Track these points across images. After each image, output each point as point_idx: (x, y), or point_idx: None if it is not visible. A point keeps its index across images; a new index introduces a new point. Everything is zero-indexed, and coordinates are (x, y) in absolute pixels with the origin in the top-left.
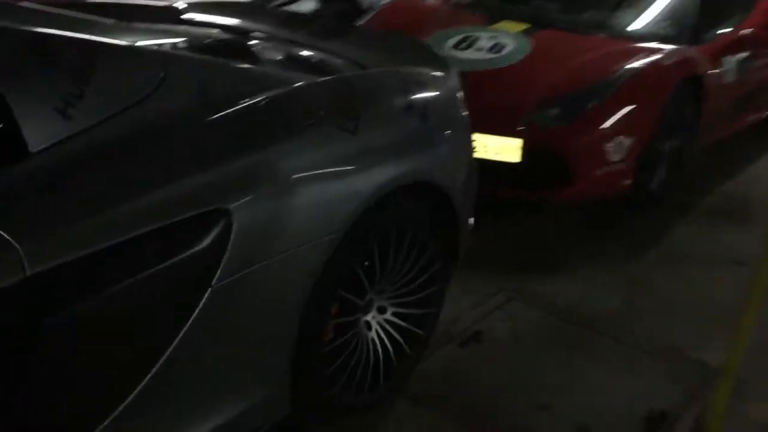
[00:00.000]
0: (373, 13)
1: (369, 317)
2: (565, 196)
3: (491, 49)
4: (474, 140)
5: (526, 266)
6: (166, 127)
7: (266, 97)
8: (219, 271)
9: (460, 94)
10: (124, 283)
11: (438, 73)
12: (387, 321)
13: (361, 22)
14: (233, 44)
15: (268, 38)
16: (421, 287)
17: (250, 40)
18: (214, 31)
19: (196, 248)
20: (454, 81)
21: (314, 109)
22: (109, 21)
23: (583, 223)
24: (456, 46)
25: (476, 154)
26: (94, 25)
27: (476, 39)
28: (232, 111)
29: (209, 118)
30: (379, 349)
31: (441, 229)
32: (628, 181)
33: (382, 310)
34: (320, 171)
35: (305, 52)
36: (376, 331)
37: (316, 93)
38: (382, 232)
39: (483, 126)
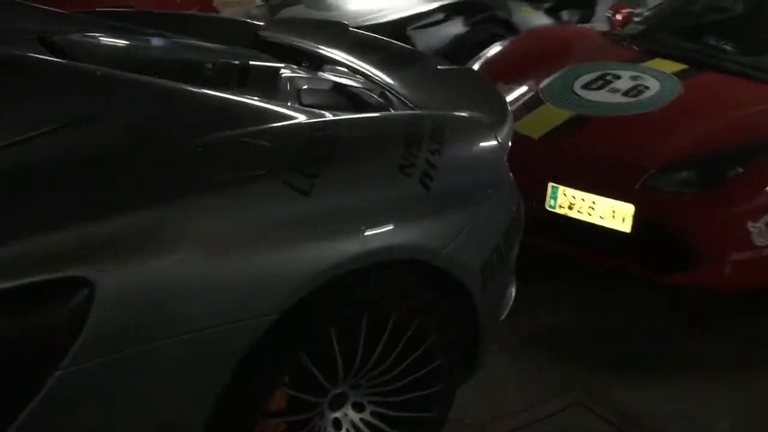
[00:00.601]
0: (513, 38)
1: (339, 414)
2: (685, 281)
3: (628, 92)
4: (582, 198)
5: (607, 358)
6: (54, 166)
7: (210, 138)
8: (71, 354)
9: (505, 153)
10: None
11: (483, 125)
12: (365, 422)
13: (497, 47)
14: (254, 69)
15: (319, 64)
16: (415, 386)
17: (291, 64)
18: (250, 51)
19: (35, 323)
20: (504, 135)
21: (261, 159)
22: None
23: (699, 308)
24: (587, 85)
25: (579, 215)
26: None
27: (615, 78)
28: (156, 152)
29: (120, 159)
30: None
31: (448, 317)
32: None
33: (358, 408)
34: (248, 238)
35: (348, 85)
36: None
37: (279, 138)
38: (346, 317)
39: (592, 183)
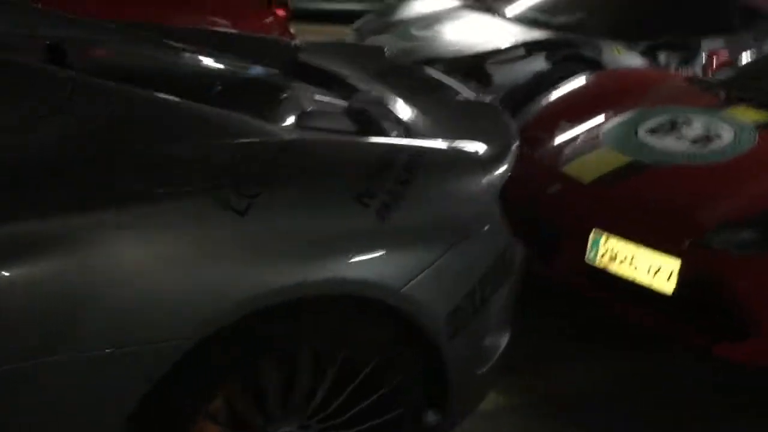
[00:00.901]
0: (586, 76)
1: None
2: (734, 353)
3: (696, 140)
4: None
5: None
6: None
7: (159, 148)
8: None
9: (495, 191)
10: None
11: (472, 159)
12: None
13: (569, 85)
14: (253, 85)
15: (337, 86)
16: None
17: (306, 84)
18: (266, 69)
19: None
20: (498, 172)
21: (198, 174)
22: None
23: (746, 381)
24: (653, 130)
25: (620, 268)
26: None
27: (685, 124)
28: (96, 158)
29: (50, 162)
30: None
31: (411, 364)
32: None
33: None
34: (167, 255)
35: (363, 110)
36: None
37: (228, 154)
38: (281, 352)
39: (637, 235)
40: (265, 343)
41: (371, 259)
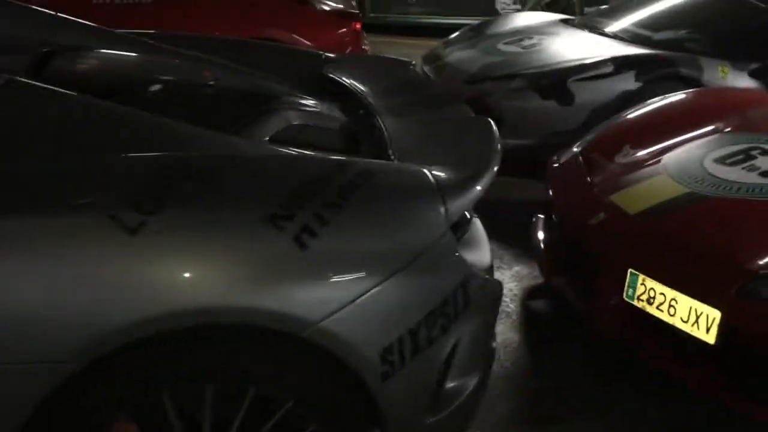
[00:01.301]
0: (667, 97)
1: None
2: None
3: None
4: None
5: None
6: None
7: (75, 157)
8: None
9: (451, 220)
10: None
11: (426, 184)
12: None
13: (645, 106)
14: (233, 94)
15: (340, 100)
16: None
17: (307, 95)
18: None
19: None
20: (460, 201)
21: (99, 188)
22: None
23: None
24: (722, 158)
25: (658, 312)
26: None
27: (763, 153)
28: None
29: None
30: None
31: (337, 406)
32: None
33: None
34: (48, 272)
35: (351, 125)
36: None
37: (139, 167)
38: (181, 382)
39: (675, 277)
40: (159, 373)
41: (282, 287)
